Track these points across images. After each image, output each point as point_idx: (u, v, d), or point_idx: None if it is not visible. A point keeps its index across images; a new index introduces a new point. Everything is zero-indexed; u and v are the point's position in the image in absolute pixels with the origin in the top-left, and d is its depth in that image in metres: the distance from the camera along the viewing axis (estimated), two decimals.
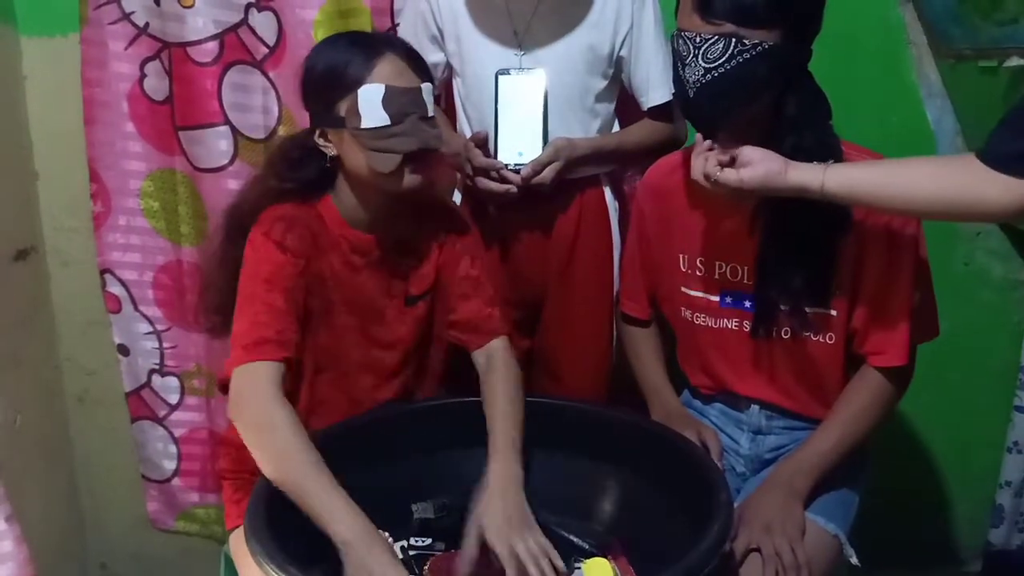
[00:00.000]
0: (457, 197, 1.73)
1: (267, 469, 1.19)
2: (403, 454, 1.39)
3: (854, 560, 1.36)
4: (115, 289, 1.88)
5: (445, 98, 1.76)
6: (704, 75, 1.23)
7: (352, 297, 1.39)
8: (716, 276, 1.43)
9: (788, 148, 1.26)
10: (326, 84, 1.32)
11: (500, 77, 1.55)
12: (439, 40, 1.66)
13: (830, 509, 1.37)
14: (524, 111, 1.56)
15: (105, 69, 1.75)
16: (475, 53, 1.62)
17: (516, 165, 1.55)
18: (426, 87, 1.33)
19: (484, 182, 1.56)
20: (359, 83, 1.28)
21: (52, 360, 1.93)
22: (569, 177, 1.59)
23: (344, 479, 1.31)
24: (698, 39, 1.23)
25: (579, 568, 1.21)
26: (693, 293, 1.47)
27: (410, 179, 1.32)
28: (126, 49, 1.74)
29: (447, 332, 1.49)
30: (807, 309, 1.36)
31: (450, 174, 1.71)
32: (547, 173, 1.54)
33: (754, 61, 1.22)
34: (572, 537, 1.28)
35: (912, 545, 2.19)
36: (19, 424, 1.74)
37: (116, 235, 1.85)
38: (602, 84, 1.63)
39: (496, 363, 1.42)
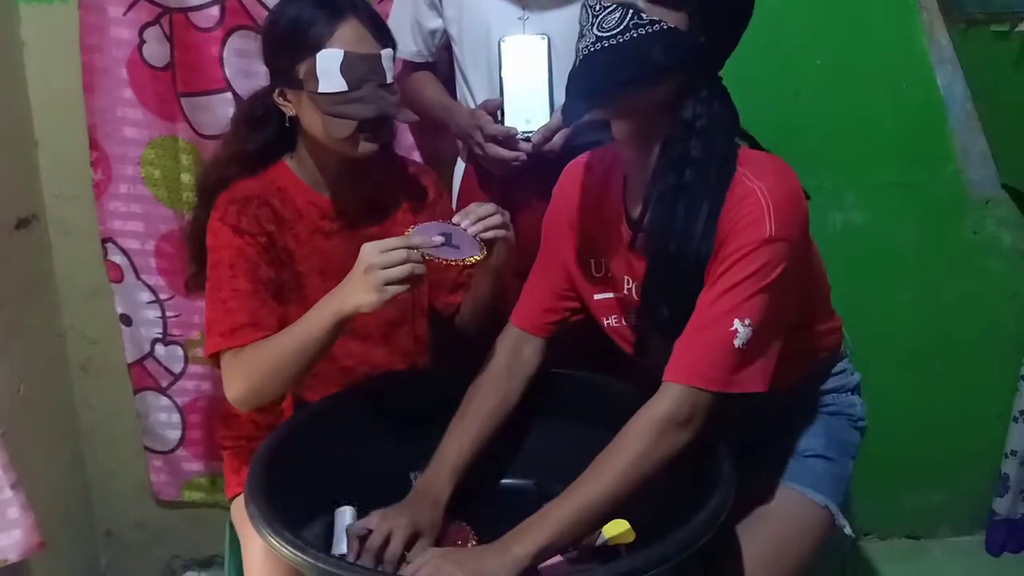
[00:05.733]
0: (459, 167, 1.72)
1: (253, 385, 1.26)
2: (397, 424, 1.38)
3: (848, 530, 1.33)
4: (117, 258, 1.86)
5: (447, 66, 1.74)
6: (595, 43, 1.12)
7: (324, 266, 1.38)
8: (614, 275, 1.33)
9: (675, 155, 1.17)
10: (287, 44, 1.31)
11: (503, 44, 1.53)
12: (438, 6, 1.63)
13: (819, 480, 1.33)
14: (529, 78, 1.54)
15: (103, 35, 1.72)
16: (477, 16, 1.59)
17: (524, 132, 1.54)
18: (386, 53, 1.32)
19: (495, 148, 1.54)
20: (319, 47, 1.28)
21: (55, 329, 1.92)
22: (575, 144, 1.57)
23: (340, 449, 1.32)
24: (598, 7, 1.13)
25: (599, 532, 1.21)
26: (599, 296, 1.35)
27: (365, 146, 1.32)
28: (125, 14, 1.71)
29: (431, 298, 1.51)
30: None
31: (452, 143, 1.70)
32: (557, 139, 1.53)
33: (649, 39, 1.11)
34: None
35: (916, 513, 2.20)
36: (22, 392, 1.74)
37: (117, 203, 1.83)
38: None
39: None
